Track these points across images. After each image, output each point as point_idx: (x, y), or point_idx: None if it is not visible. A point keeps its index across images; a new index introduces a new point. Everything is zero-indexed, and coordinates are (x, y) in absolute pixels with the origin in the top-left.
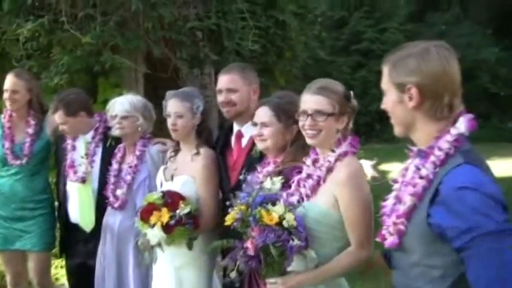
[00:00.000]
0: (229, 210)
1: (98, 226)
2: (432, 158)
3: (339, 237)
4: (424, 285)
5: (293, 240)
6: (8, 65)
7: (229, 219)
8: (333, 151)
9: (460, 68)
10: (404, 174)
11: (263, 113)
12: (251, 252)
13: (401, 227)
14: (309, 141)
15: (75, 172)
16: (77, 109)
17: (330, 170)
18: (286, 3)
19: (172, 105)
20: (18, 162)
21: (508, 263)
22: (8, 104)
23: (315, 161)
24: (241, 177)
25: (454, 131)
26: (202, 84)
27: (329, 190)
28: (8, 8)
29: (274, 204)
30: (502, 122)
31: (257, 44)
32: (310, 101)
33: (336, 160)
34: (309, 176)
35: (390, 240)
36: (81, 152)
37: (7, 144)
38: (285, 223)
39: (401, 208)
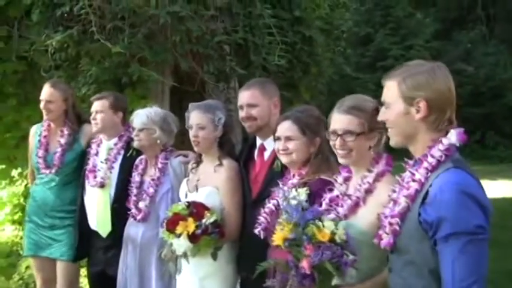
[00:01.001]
0: (256, 225)
1: (116, 234)
2: (425, 164)
3: (377, 256)
4: (417, 283)
5: (347, 255)
6: (37, 75)
7: (278, 239)
8: (369, 171)
9: (487, 86)
10: (401, 181)
11: (287, 127)
12: (307, 270)
13: (396, 227)
14: (341, 160)
15: (94, 177)
16: (121, 107)
17: (369, 191)
18: (313, 20)
19: (194, 117)
20: (48, 171)
21: (476, 264)
22: (44, 113)
23: (346, 179)
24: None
25: (445, 141)
26: (228, 98)
27: (372, 211)
28: (37, 19)
29: (321, 219)
30: None
31: (283, 59)
32: (339, 120)
33: (375, 181)
34: (345, 195)
35: (386, 240)
36: (102, 157)
37: (40, 153)
38: (337, 238)
39: (396, 209)
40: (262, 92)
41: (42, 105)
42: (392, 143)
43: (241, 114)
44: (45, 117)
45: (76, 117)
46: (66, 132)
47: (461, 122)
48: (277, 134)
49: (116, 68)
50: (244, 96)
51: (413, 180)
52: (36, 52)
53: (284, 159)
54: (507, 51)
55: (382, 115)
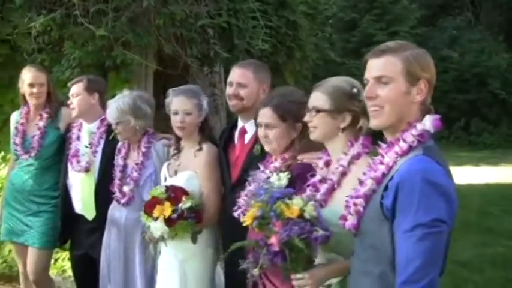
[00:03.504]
0: (235, 208)
1: (100, 217)
2: (396, 149)
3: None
4: (373, 268)
5: (317, 231)
6: (20, 58)
7: (248, 218)
8: (345, 154)
9: (472, 73)
10: (372, 164)
11: (267, 115)
12: (275, 247)
13: (360, 208)
14: (310, 137)
15: (78, 161)
16: (95, 88)
17: (343, 174)
18: (298, 4)
19: (180, 102)
20: (27, 156)
21: (430, 257)
22: (33, 98)
23: (326, 163)
24: (249, 178)
25: (420, 126)
26: (211, 82)
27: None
28: (20, 2)
29: (291, 199)
30: None
31: (267, 44)
32: (311, 97)
33: (349, 163)
34: (322, 180)
35: (350, 222)
36: (85, 141)
37: (18, 140)
38: (306, 215)
39: (362, 190)
40: (255, 74)
41: (34, 90)
42: (377, 122)
43: (229, 90)
44: (34, 102)
45: (54, 100)
46: (45, 115)
47: (446, 109)
48: (258, 121)
49: (99, 52)
50: (236, 73)
51: (381, 163)
52: (19, 35)
53: (266, 147)
54: (492, 38)
55: (373, 90)
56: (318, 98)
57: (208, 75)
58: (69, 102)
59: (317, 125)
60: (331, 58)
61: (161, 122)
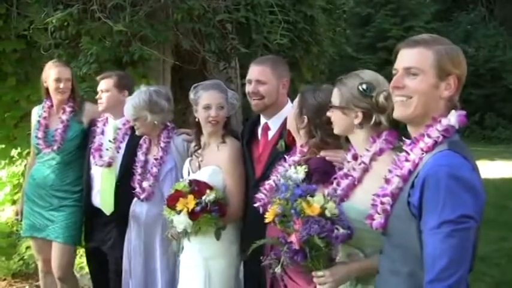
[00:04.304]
0: (258, 203)
1: (118, 213)
2: (421, 145)
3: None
4: (402, 267)
5: (337, 229)
6: (36, 54)
7: (270, 215)
8: (367, 150)
9: (486, 68)
10: (397, 161)
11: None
12: (296, 246)
13: (387, 207)
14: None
15: (101, 156)
16: (126, 85)
17: (365, 170)
18: None
19: (212, 97)
20: (49, 149)
21: (459, 254)
22: (59, 93)
23: (354, 157)
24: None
25: (445, 121)
26: (228, 78)
27: (369, 190)
28: None
29: (312, 196)
30: None
31: (285, 38)
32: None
33: (371, 160)
34: (344, 175)
35: (377, 221)
36: (109, 136)
37: (40, 134)
38: (327, 212)
39: (389, 188)
40: (273, 70)
41: (61, 85)
42: (401, 113)
43: (248, 88)
44: (59, 97)
45: (77, 94)
46: (68, 109)
47: (461, 103)
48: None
49: (117, 47)
50: (254, 71)
51: (407, 160)
52: (35, 30)
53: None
54: (506, 33)
55: (401, 80)
56: (334, 94)
57: (224, 71)
58: (97, 97)
59: (334, 121)
60: (347, 53)
61: (178, 117)
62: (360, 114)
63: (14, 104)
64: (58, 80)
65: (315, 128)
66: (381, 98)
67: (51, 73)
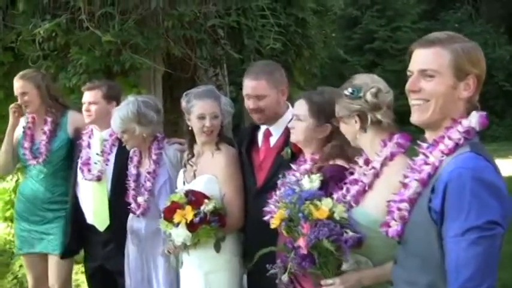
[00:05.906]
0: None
1: (114, 228)
2: (441, 147)
3: (393, 245)
4: (420, 277)
5: (347, 233)
6: (24, 66)
7: (276, 220)
8: (377, 155)
9: None
10: (413, 165)
11: (299, 106)
12: (304, 251)
13: (405, 213)
14: None
15: (89, 170)
16: (114, 96)
17: (376, 175)
18: (306, 1)
19: (206, 106)
20: (35, 161)
21: (485, 263)
22: (25, 107)
23: (366, 162)
24: (278, 181)
25: (465, 122)
26: (218, 85)
27: (381, 196)
28: (23, 7)
29: (320, 200)
30: None
31: (278, 43)
32: None
33: (382, 165)
34: (355, 181)
35: (394, 229)
36: (96, 149)
37: (26, 144)
38: (336, 216)
39: (406, 194)
40: (270, 82)
41: (19, 100)
42: (419, 117)
43: (249, 104)
44: (26, 110)
45: (57, 103)
46: (49, 119)
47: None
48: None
49: (106, 57)
50: (251, 86)
51: (426, 164)
52: (23, 42)
53: (291, 136)
54: (493, 31)
55: (416, 84)
56: (335, 108)
57: (213, 77)
58: (84, 108)
59: (343, 133)
60: (336, 56)
61: (168, 127)
62: (357, 118)
63: (2, 118)
64: (20, 94)
65: (337, 133)
66: (369, 96)
67: (14, 89)
